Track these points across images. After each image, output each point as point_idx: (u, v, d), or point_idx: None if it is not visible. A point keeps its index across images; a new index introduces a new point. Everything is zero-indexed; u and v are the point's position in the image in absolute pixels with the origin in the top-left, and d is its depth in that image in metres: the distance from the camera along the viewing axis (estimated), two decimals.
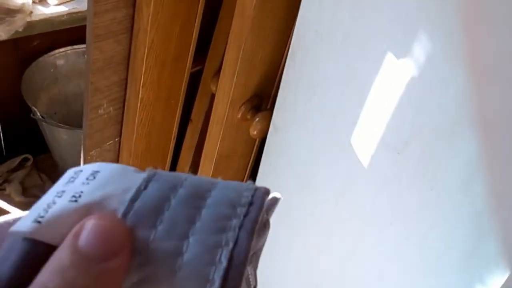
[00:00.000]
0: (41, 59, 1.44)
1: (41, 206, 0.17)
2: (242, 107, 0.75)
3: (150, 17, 0.70)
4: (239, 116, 0.75)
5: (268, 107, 0.77)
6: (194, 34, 0.78)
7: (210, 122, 0.79)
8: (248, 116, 0.75)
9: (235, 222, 0.16)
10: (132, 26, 0.73)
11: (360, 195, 0.58)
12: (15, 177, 1.46)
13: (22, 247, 0.16)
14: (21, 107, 1.35)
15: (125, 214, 0.16)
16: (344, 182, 0.60)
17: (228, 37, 0.69)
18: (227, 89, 0.72)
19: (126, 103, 0.82)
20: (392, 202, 0.54)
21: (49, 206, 0.17)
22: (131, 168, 0.18)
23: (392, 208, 0.54)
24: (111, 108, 0.81)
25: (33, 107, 1.28)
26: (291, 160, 0.68)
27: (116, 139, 0.88)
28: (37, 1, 1.34)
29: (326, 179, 0.63)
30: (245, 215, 0.17)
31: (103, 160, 0.90)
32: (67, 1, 1.39)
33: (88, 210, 0.17)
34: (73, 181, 0.18)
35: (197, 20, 0.77)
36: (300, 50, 0.61)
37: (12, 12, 1.24)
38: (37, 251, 0.16)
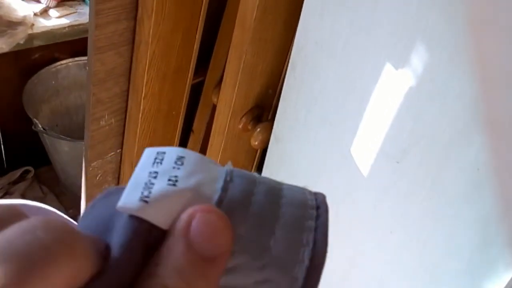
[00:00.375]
0: (42, 71, 1.45)
1: (139, 185, 0.17)
2: (243, 117, 0.75)
3: (151, 30, 0.71)
4: (240, 126, 0.76)
5: (269, 117, 0.78)
6: (195, 46, 0.79)
7: (212, 133, 0.80)
8: (249, 127, 0.76)
9: (310, 223, 0.17)
10: (133, 38, 0.74)
11: (360, 203, 0.58)
12: (16, 189, 1.46)
13: (130, 225, 0.16)
14: (22, 119, 1.36)
15: (220, 202, 0.17)
16: (344, 191, 0.60)
17: (229, 49, 0.70)
18: (229, 100, 0.73)
19: (127, 115, 0.83)
20: (392, 210, 0.54)
21: (148, 186, 0.17)
22: (209, 159, 0.19)
23: (392, 216, 0.55)
24: (112, 120, 0.82)
25: (35, 119, 1.29)
26: (292, 170, 0.69)
27: (118, 150, 0.89)
28: (38, 13, 1.36)
29: (327, 188, 0.63)
30: (317, 218, 0.17)
31: (105, 172, 0.90)
32: (69, 14, 1.40)
33: (187, 196, 0.17)
34: (160, 163, 0.18)
35: (198, 32, 0.77)
36: (300, 61, 0.62)
37: (13, 24, 1.25)
38: (143, 231, 0.16)
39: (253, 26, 0.64)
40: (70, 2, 1.45)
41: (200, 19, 0.76)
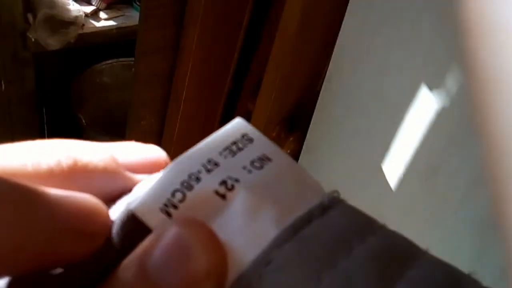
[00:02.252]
0: (89, 69, 1.51)
1: (177, 179, 0.11)
2: (277, 126, 0.77)
3: (195, 36, 0.74)
4: (274, 134, 0.78)
5: (303, 128, 0.80)
6: (235, 55, 0.82)
7: None
8: (282, 136, 0.78)
9: None
10: (178, 43, 0.77)
11: (387, 217, 0.59)
12: None
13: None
14: (68, 114, 1.43)
15: (279, 244, 0.11)
16: (372, 204, 0.61)
17: (267, 59, 0.73)
18: (264, 109, 0.75)
19: (167, 117, 0.87)
20: (419, 226, 0.55)
21: (189, 186, 0.11)
22: (306, 173, 0.13)
23: (418, 233, 0.55)
24: (152, 120, 0.86)
25: (79, 114, 1.35)
26: (322, 182, 0.70)
27: None
28: (89, 14, 1.42)
29: (355, 201, 0.64)
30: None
31: None
32: (117, 16, 1.47)
33: (229, 216, 0.11)
34: (234, 153, 0.12)
35: (239, 42, 0.80)
36: (336, 75, 0.63)
37: (66, 24, 1.31)
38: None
39: (292, 38, 0.66)
40: (119, 6, 1.51)
41: (242, 29, 0.79)
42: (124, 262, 0.11)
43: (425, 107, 0.52)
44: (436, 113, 0.51)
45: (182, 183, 0.11)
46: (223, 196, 0.11)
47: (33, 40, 1.27)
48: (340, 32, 0.61)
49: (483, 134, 0.45)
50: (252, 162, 0.12)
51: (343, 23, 0.60)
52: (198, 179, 0.12)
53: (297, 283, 0.10)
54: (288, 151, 0.77)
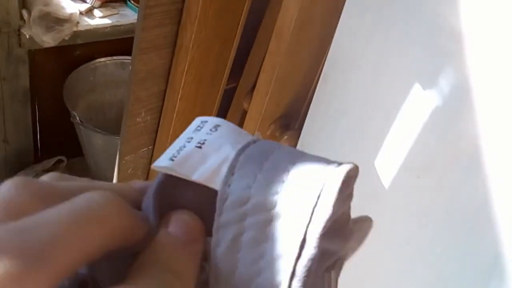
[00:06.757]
0: (82, 67, 1.51)
1: (174, 148, 0.21)
2: (272, 125, 0.79)
3: (193, 36, 0.75)
4: (268, 133, 0.79)
5: (297, 126, 0.81)
6: (231, 54, 0.83)
7: None
8: (277, 134, 0.79)
9: (320, 184, 0.18)
10: (175, 42, 0.78)
11: (380, 214, 0.61)
12: None
13: (157, 178, 0.20)
14: (61, 111, 1.43)
15: (236, 157, 0.20)
16: (365, 201, 0.63)
17: (263, 58, 0.74)
18: (260, 107, 0.76)
19: (162, 114, 0.87)
20: (410, 222, 0.57)
21: (180, 149, 0.21)
22: (243, 130, 0.22)
23: (409, 229, 0.57)
24: (148, 117, 0.87)
25: (73, 112, 1.35)
26: None
27: (150, 147, 0.93)
28: (84, 12, 1.43)
29: None
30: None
31: (136, 166, 0.95)
32: (111, 15, 1.47)
33: (206, 154, 0.20)
34: (199, 130, 0.22)
35: (235, 41, 0.81)
36: (332, 75, 0.65)
37: (61, 21, 1.32)
38: (167, 182, 0.20)
39: (289, 38, 0.67)
40: (113, 4, 1.52)
41: (239, 29, 0.80)
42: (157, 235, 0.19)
43: (417, 105, 0.54)
44: (428, 111, 0.53)
45: (177, 150, 0.21)
46: (200, 147, 0.21)
47: (27, 37, 1.27)
48: (336, 33, 0.63)
49: (473, 133, 0.46)
50: (210, 130, 0.22)
51: (339, 24, 0.62)
52: (184, 147, 0.21)
53: (249, 172, 0.19)
54: None
